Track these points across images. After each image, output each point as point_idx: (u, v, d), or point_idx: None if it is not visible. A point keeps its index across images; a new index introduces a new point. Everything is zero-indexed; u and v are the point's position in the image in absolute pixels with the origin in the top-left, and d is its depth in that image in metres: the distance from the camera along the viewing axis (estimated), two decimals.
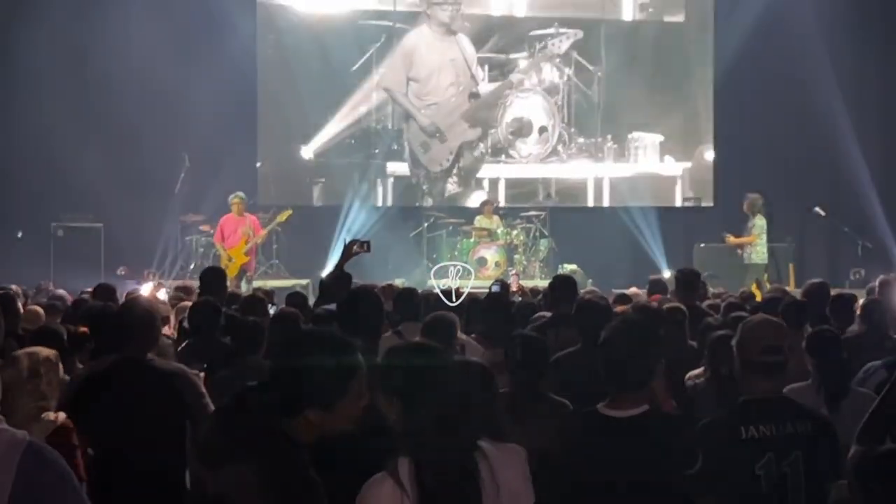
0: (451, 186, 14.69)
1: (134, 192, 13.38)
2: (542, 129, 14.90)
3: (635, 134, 15.17)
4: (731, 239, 12.76)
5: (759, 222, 12.57)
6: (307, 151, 14.44)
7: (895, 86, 14.72)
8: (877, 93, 14.92)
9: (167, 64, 13.15)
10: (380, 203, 14.70)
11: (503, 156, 14.89)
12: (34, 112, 13.09)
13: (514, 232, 13.56)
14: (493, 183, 14.93)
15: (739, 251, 12.75)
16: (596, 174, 15.15)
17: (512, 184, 14.80)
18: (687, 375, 4.67)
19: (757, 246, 12.50)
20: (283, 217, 12.46)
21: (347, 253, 5.69)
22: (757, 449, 3.05)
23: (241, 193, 12.30)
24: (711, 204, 15.43)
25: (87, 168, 12.96)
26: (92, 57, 13.17)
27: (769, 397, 3.15)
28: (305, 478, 2.31)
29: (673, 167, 15.33)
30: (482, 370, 3.37)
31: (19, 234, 13.04)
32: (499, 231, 13.45)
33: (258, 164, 14.26)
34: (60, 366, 3.64)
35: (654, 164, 15.26)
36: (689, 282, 6.65)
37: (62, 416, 3.52)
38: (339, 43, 14.25)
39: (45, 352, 3.61)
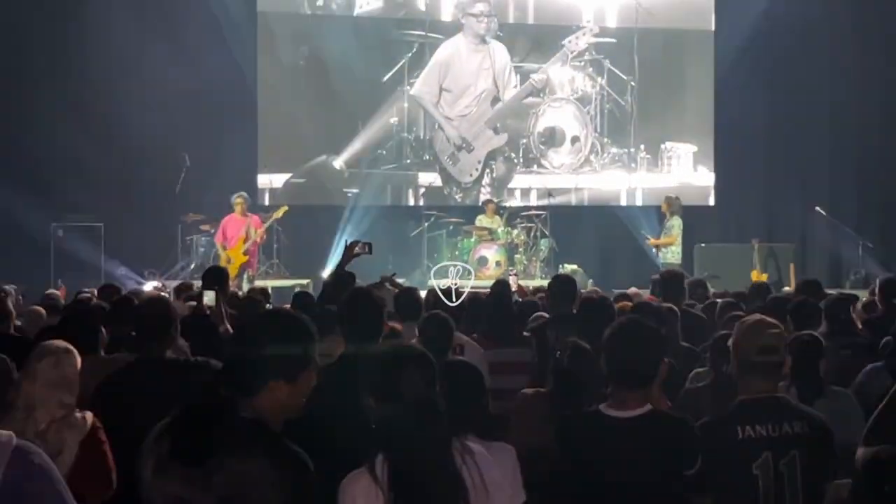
0: (484, 197, 14.60)
1: (134, 192, 13.41)
2: (575, 139, 14.81)
3: (668, 143, 15.11)
4: (652, 241, 12.66)
5: (677, 223, 12.55)
6: (338, 161, 14.42)
7: (894, 84, 14.72)
8: (878, 92, 14.92)
9: (168, 65, 13.19)
10: None
11: (535, 166, 14.81)
12: (34, 112, 13.11)
13: (515, 231, 13.55)
14: (525, 193, 14.87)
15: (655, 251, 12.69)
16: (629, 184, 15.04)
17: (544, 194, 14.65)
18: (692, 374, 4.65)
19: (673, 247, 12.50)
20: (279, 213, 12.48)
21: (349, 254, 5.69)
22: (754, 449, 3.07)
23: (243, 193, 12.33)
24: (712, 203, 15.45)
25: (87, 168, 12.99)
26: (93, 58, 13.19)
27: (766, 397, 3.16)
28: (305, 461, 2.34)
29: (706, 177, 15.27)
30: (470, 370, 3.34)
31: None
32: (499, 231, 13.44)
33: (259, 166, 14.28)
34: (78, 358, 3.48)
35: (688, 174, 15.19)
36: (673, 283, 6.66)
37: (90, 415, 3.41)
38: (369, 52, 14.28)
39: (60, 344, 3.47)
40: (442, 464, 2.42)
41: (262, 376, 2.38)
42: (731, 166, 15.21)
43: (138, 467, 2.36)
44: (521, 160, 14.75)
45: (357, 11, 14.63)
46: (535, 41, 14.83)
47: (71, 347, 3.48)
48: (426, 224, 13.70)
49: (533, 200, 14.78)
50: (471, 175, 14.59)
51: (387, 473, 2.39)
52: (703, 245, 14.33)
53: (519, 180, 14.87)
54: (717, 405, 3.78)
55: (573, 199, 14.77)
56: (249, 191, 12.98)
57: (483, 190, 14.67)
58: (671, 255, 12.47)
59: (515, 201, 14.74)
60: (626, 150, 14.99)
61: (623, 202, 15.02)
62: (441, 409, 2.47)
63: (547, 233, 13.68)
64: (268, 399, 2.37)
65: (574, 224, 14.51)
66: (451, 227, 13.85)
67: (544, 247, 13.70)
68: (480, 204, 14.20)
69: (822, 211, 14.23)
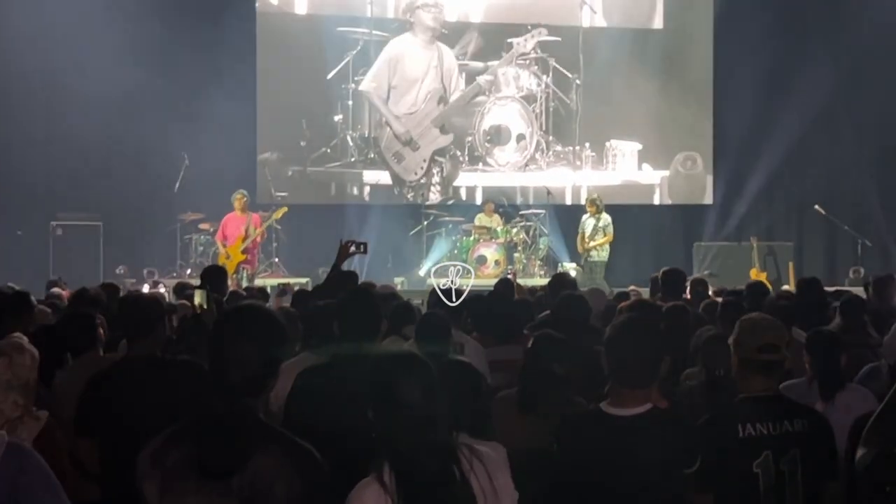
0: (433, 196, 14.54)
1: (134, 191, 13.40)
2: (520, 137, 14.70)
3: (613, 142, 15.04)
4: (594, 243, 12.54)
5: (609, 220, 12.54)
6: (286, 160, 14.38)
7: (892, 84, 14.71)
8: (875, 91, 14.92)
9: (167, 64, 13.20)
10: None
11: (481, 164, 14.70)
12: (34, 111, 13.09)
13: (514, 230, 13.55)
14: (471, 191, 14.76)
15: (580, 249, 12.65)
16: (574, 182, 14.96)
17: (490, 192, 14.53)
18: (684, 375, 4.66)
19: (605, 245, 12.51)
20: (278, 214, 12.53)
21: (343, 253, 5.65)
22: (754, 447, 3.06)
23: (243, 191, 12.35)
24: (710, 202, 15.43)
25: (87, 167, 12.97)
26: (93, 57, 13.16)
27: (767, 395, 3.16)
28: (316, 455, 2.37)
29: (651, 175, 15.21)
30: (466, 370, 3.30)
31: (19, 233, 13.05)
32: (498, 229, 13.44)
33: (259, 162, 14.27)
34: (35, 353, 3.36)
35: (633, 172, 15.13)
36: (674, 282, 6.64)
37: (45, 413, 3.36)
38: (317, 51, 14.19)
39: (13, 342, 3.36)
40: (448, 471, 2.39)
41: (273, 374, 2.40)
42: (731, 165, 15.19)
43: (134, 478, 2.32)
44: (467, 158, 14.64)
45: (301, 9, 14.58)
46: (480, 39, 14.71)
47: (24, 345, 3.35)
48: (425, 223, 13.68)
49: (478, 199, 14.61)
50: (416, 173, 14.48)
51: (394, 482, 2.37)
52: (701, 244, 14.34)
53: (465, 178, 14.76)
54: (710, 406, 3.78)
55: (519, 197, 14.67)
56: (250, 185, 13.02)
57: (433, 188, 14.59)
58: (604, 252, 12.50)
59: (461, 199, 14.66)
60: (571, 148, 14.91)
61: (568, 200, 14.92)
62: (441, 416, 2.42)
63: (546, 231, 13.67)
64: (265, 396, 2.43)
65: (573, 223, 14.47)
66: (451, 226, 13.83)
67: (543, 245, 13.70)
68: (485, 202, 14.13)
69: (821, 210, 14.23)
